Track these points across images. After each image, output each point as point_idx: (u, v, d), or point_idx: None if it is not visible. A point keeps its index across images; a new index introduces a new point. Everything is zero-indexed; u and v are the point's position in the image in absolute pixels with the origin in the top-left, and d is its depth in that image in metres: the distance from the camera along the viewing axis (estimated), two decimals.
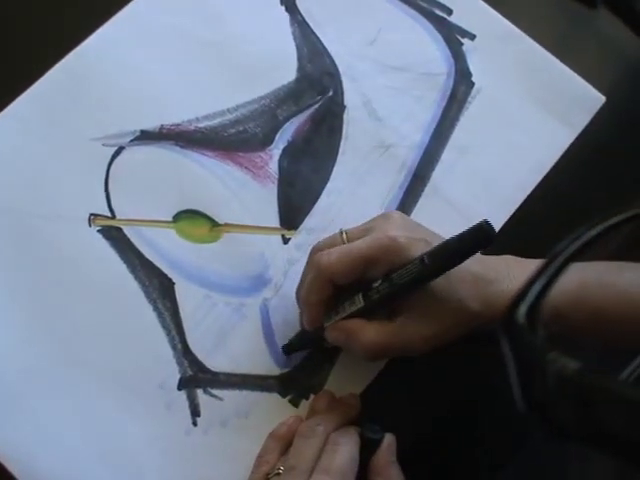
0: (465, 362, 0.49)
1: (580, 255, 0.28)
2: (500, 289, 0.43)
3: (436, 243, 0.43)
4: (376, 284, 0.42)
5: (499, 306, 0.43)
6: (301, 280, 0.46)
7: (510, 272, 0.44)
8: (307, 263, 0.45)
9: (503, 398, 0.50)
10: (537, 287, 0.27)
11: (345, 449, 0.42)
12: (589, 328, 0.44)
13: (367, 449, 0.43)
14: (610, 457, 0.25)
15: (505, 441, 0.49)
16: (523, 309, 0.26)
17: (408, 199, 0.51)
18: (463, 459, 0.49)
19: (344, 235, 0.45)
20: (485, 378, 0.49)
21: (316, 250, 0.45)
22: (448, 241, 0.41)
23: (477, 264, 0.44)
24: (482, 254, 0.45)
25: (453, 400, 0.48)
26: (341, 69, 0.54)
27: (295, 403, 0.47)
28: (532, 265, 0.45)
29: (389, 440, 0.44)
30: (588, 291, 0.43)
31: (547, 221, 0.51)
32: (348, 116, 0.53)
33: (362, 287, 0.43)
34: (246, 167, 0.51)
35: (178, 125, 0.52)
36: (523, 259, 0.46)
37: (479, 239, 0.39)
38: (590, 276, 0.44)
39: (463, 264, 0.43)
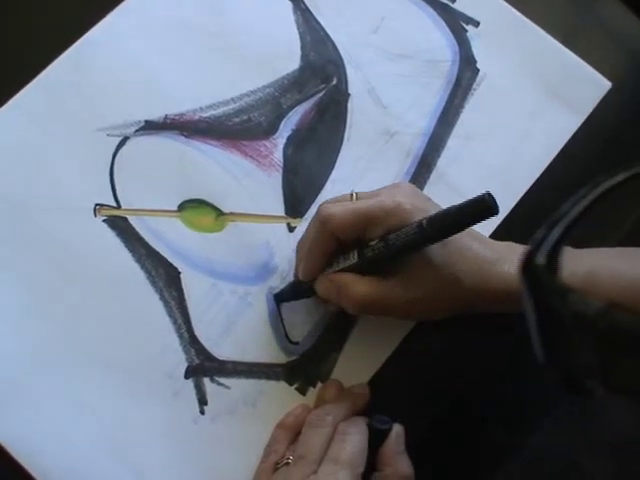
0: (471, 353, 0.49)
1: (601, 202, 0.27)
2: (500, 270, 0.43)
3: (433, 205, 0.43)
4: (372, 243, 0.42)
5: (496, 287, 0.43)
6: (305, 232, 0.46)
7: (512, 256, 0.44)
8: (313, 217, 0.45)
9: (507, 392, 0.50)
10: (557, 232, 0.26)
11: (354, 439, 0.42)
12: None
13: (376, 439, 0.43)
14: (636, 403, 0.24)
15: (508, 437, 0.49)
16: (543, 253, 0.26)
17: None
18: (466, 451, 0.49)
19: (354, 196, 0.45)
20: (490, 371, 0.49)
21: (324, 205, 0.45)
22: (449, 209, 0.41)
23: (480, 244, 0.44)
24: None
25: (459, 391, 0.48)
26: (345, 57, 0.54)
27: (302, 391, 0.47)
28: None
29: (398, 430, 0.44)
30: (597, 279, 0.43)
31: (553, 208, 0.50)
32: (352, 104, 0.53)
33: (359, 246, 0.43)
34: (251, 156, 0.51)
35: (182, 115, 0.52)
36: (527, 246, 0.46)
37: (480, 210, 0.39)
38: (599, 264, 0.44)
39: (465, 241, 0.43)
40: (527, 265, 0.26)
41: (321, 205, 0.45)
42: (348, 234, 0.43)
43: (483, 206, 0.39)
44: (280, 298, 0.48)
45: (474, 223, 0.40)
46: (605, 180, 0.27)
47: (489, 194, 0.39)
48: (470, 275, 0.43)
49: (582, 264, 0.42)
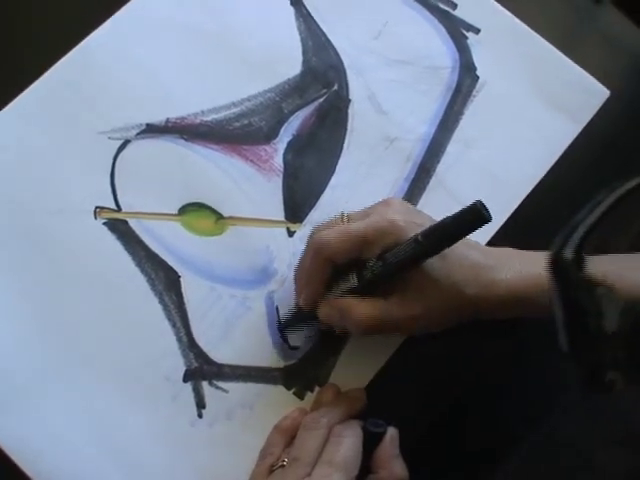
0: (469, 356, 0.49)
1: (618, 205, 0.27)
2: (499, 277, 0.43)
3: (426, 218, 0.44)
4: (370, 263, 0.42)
5: (497, 293, 0.43)
6: (300, 260, 0.46)
7: (510, 262, 0.44)
8: (307, 243, 0.45)
9: (504, 395, 0.50)
10: (581, 231, 0.27)
11: (349, 441, 0.42)
12: None
13: (370, 442, 0.43)
14: None
15: (506, 437, 0.49)
16: (570, 248, 0.26)
17: (413, 192, 0.51)
18: (464, 453, 0.49)
19: (344, 217, 0.45)
20: (489, 374, 0.49)
21: (316, 231, 0.45)
22: (442, 221, 0.41)
23: (477, 252, 0.44)
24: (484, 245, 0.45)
25: (456, 395, 0.48)
26: (346, 63, 0.54)
27: (300, 395, 0.47)
28: (532, 256, 0.45)
29: (392, 434, 0.44)
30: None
31: (551, 215, 0.50)
32: (353, 110, 0.53)
33: (357, 267, 0.44)
34: (251, 160, 0.52)
35: (184, 118, 0.52)
36: (524, 251, 0.46)
37: (473, 219, 0.39)
38: (609, 270, 0.44)
39: (462, 250, 0.43)
40: (555, 260, 0.26)
41: (313, 233, 0.45)
42: (345, 258, 0.43)
43: (476, 215, 0.39)
44: (284, 326, 0.48)
45: (469, 233, 0.40)
46: (621, 185, 0.28)
47: (480, 202, 0.39)
48: (470, 284, 0.43)
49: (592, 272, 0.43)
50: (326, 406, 0.45)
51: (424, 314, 0.43)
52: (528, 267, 0.44)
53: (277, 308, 0.48)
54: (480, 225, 0.39)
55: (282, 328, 0.48)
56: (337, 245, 0.43)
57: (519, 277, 0.43)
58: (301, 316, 0.47)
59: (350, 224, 0.44)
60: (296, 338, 0.48)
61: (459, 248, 0.43)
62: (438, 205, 0.50)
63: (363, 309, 0.43)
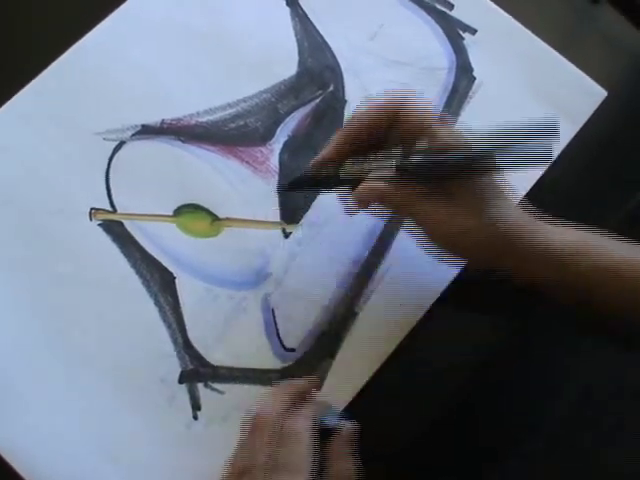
0: (467, 357, 0.49)
1: None
2: (538, 230, 0.44)
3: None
4: (416, 157, 0.42)
5: (546, 242, 0.43)
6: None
7: (549, 233, 0.44)
8: None
9: (504, 394, 0.50)
10: None
11: (302, 439, 0.40)
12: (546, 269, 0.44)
13: (326, 436, 0.42)
14: None
15: (505, 438, 0.49)
16: None
17: None
18: (465, 452, 0.49)
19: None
20: (488, 372, 0.49)
21: None
22: (504, 127, 0.40)
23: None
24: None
25: (453, 395, 0.48)
26: (342, 64, 0.54)
27: None
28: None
29: (349, 429, 0.43)
30: (590, 247, 0.43)
31: (549, 215, 0.50)
32: (349, 110, 0.53)
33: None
34: (247, 161, 0.51)
35: (179, 119, 0.52)
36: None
37: (540, 128, 0.39)
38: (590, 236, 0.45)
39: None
40: None
41: None
42: (378, 125, 0.43)
43: (545, 125, 0.38)
44: (294, 185, 0.47)
45: (531, 140, 0.39)
46: None
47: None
48: (514, 223, 0.43)
49: (574, 234, 0.44)
50: (277, 403, 0.43)
51: (466, 228, 0.42)
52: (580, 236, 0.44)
53: (273, 310, 0.48)
54: (548, 135, 0.38)
55: (292, 186, 0.47)
56: (371, 109, 0.43)
57: (575, 237, 0.44)
58: (310, 179, 0.46)
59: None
60: (292, 340, 0.48)
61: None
62: None
63: (409, 193, 0.42)
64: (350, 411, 0.46)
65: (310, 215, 0.50)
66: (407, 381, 0.48)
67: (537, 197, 0.52)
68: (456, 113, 0.54)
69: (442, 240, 0.44)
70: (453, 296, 0.49)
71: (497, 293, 0.48)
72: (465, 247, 0.44)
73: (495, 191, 0.43)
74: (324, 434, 0.41)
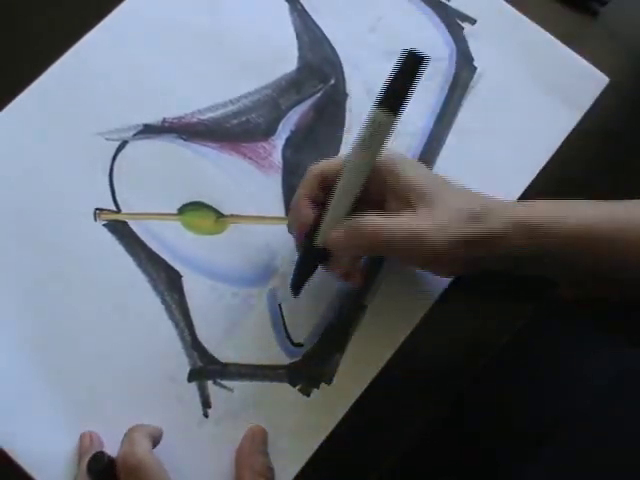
0: (474, 352, 0.48)
1: None
2: (491, 205, 0.44)
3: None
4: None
5: (498, 220, 0.43)
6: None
7: (504, 209, 0.44)
8: None
9: (508, 392, 0.50)
10: None
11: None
12: (541, 251, 0.44)
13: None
14: None
15: (505, 439, 0.49)
16: None
17: None
18: (463, 456, 0.49)
19: None
20: (496, 370, 0.49)
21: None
22: (387, 81, 0.41)
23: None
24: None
25: (461, 390, 0.48)
26: (342, 57, 0.54)
27: (305, 392, 0.47)
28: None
29: (255, 431, 0.45)
30: (540, 215, 0.43)
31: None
32: (351, 104, 0.53)
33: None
34: (250, 157, 0.51)
35: (181, 118, 0.52)
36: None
37: (413, 62, 0.40)
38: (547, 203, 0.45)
39: (458, 186, 0.45)
40: None
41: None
42: (333, 173, 0.43)
43: (412, 56, 0.40)
44: (295, 286, 0.46)
45: (413, 76, 0.40)
46: None
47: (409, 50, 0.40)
48: (480, 215, 0.43)
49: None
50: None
51: (433, 231, 0.42)
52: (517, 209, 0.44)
53: (280, 305, 0.48)
54: (421, 64, 0.40)
55: (296, 288, 0.46)
56: (325, 164, 0.44)
57: (507, 208, 0.44)
58: (305, 263, 0.46)
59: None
60: (300, 335, 0.48)
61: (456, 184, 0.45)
62: None
63: (372, 219, 0.42)
64: (351, 411, 0.46)
65: None
66: (407, 381, 0.48)
67: (541, 186, 0.52)
68: (458, 104, 0.53)
69: (414, 262, 0.45)
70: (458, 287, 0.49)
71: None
72: (437, 258, 0.43)
73: (422, 191, 0.43)
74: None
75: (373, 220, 0.42)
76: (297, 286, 0.46)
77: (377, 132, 0.41)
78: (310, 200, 0.44)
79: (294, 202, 0.45)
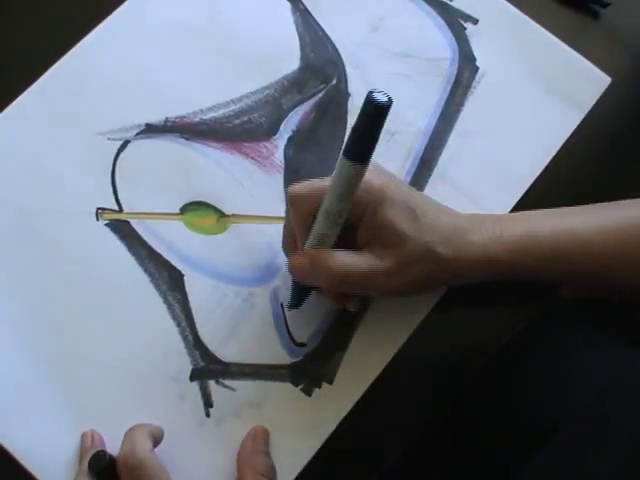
0: (475, 352, 0.49)
1: None
2: (471, 239, 0.43)
3: (407, 187, 0.44)
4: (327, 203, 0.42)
5: (470, 255, 0.43)
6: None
7: (485, 224, 0.44)
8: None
9: (505, 395, 0.50)
10: None
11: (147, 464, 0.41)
12: (543, 272, 0.44)
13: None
14: None
15: (505, 440, 0.49)
16: None
17: (415, 185, 0.51)
18: (468, 449, 0.49)
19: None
20: (496, 369, 0.49)
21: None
22: (352, 130, 0.39)
23: (450, 216, 0.44)
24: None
25: (462, 390, 0.48)
26: (344, 57, 0.54)
27: (307, 392, 0.47)
28: (507, 219, 0.46)
29: (257, 431, 0.45)
30: (538, 236, 0.44)
31: (554, 204, 0.50)
32: (353, 104, 0.53)
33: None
34: (252, 157, 0.51)
35: (183, 117, 0.52)
36: (499, 214, 0.48)
37: (372, 110, 0.37)
38: (540, 222, 0.45)
39: (435, 213, 0.43)
40: None
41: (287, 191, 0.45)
42: (311, 204, 0.43)
43: (372, 106, 0.37)
44: (292, 305, 0.47)
45: (379, 123, 0.38)
46: None
47: (370, 92, 0.37)
48: (444, 244, 0.43)
49: (521, 225, 0.44)
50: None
51: (395, 270, 0.42)
52: (502, 230, 0.44)
53: (282, 304, 0.48)
54: (383, 112, 0.37)
55: (294, 306, 0.47)
56: (302, 190, 0.43)
57: (494, 239, 0.43)
58: (298, 287, 0.46)
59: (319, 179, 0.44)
60: (302, 334, 0.48)
61: (431, 212, 0.43)
62: (440, 198, 0.49)
63: (336, 257, 0.42)
64: (353, 410, 0.46)
65: None
66: (407, 381, 0.48)
67: (542, 186, 0.52)
68: (460, 104, 0.53)
69: (396, 294, 0.45)
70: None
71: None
72: (402, 294, 0.45)
73: (393, 229, 0.42)
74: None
75: (332, 256, 0.42)
76: (294, 306, 0.47)
77: (350, 183, 0.40)
78: (299, 230, 0.44)
79: (283, 228, 0.46)
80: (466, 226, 0.44)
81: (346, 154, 0.39)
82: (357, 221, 0.43)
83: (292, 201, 0.44)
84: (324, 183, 0.42)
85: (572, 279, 0.45)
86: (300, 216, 0.43)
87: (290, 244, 0.46)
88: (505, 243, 0.43)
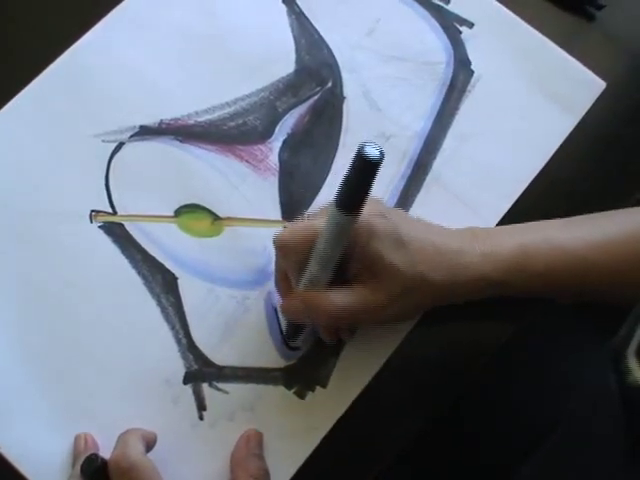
0: (470, 355, 0.49)
1: None
2: (465, 261, 0.43)
3: (394, 214, 0.43)
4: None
5: (463, 278, 0.43)
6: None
7: (475, 243, 0.44)
8: None
9: (504, 396, 0.50)
10: None
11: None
12: (538, 288, 0.44)
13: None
14: None
15: (505, 442, 0.49)
16: (632, 349, 0.27)
17: (410, 189, 0.51)
18: (465, 451, 0.49)
19: (305, 217, 0.45)
20: (491, 371, 0.49)
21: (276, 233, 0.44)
22: (343, 180, 0.38)
23: (439, 236, 0.44)
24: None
25: (456, 393, 0.48)
26: (340, 60, 0.54)
27: (300, 395, 0.47)
28: (498, 235, 0.45)
29: (249, 434, 0.45)
30: (532, 254, 0.44)
31: (549, 208, 0.50)
32: (348, 107, 0.53)
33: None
34: (246, 160, 0.51)
35: (177, 119, 0.52)
36: (489, 228, 0.47)
37: (363, 164, 0.36)
38: (533, 238, 0.45)
39: (424, 236, 0.43)
40: (617, 360, 0.27)
41: (274, 236, 0.44)
42: (301, 250, 0.42)
43: (363, 159, 0.35)
44: (289, 341, 0.47)
45: (368, 178, 0.37)
46: None
47: (361, 146, 0.35)
48: (436, 270, 0.42)
49: (513, 243, 0.44)
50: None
51: (389, 303, 0.42)
52: (494, 247, 0.44)
53: (276, 308, 0.48)
54: (374, 167, 0.36)
55: (289, 343, 0.48)
56: (290, 237, 0.42)
57: (487, 257, 0.43)
58: (290, 325, 0.47)
59: (305, 220, 0.43)
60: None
61: (420, 234, 0.43)
62: (435, 202, 0.50)
63: (328, 297, 0.42)
64: (347, 413, 0.46)
65: (311, 212, 0.50)
66: (405, 382, 0.48)
67: (537, 190, 0.52)
68: (455, 107, 0.53)
69: (391, 321, 0.46)
70: None
71: None
72: (414, 310, 0.45)
73: (381, 258, 0.42)
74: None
75: (325, 297, 0.42)
76: (290, 340, 0.47)
77: (341, 231, 0.39)
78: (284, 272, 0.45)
79: (274, 264, 0.46)
80: (457, 246, 0.43)
81: (337, 204, 0.38)
82: (348, 255, 0.42)
83: (281, 252, 0.43)
84: (310, 226, 0.42)
85: (566, 293, 0.45)
86: (290, 265, 0.43)
87: (282, 281, 0.45)
88: (498, 261, 0.43)
